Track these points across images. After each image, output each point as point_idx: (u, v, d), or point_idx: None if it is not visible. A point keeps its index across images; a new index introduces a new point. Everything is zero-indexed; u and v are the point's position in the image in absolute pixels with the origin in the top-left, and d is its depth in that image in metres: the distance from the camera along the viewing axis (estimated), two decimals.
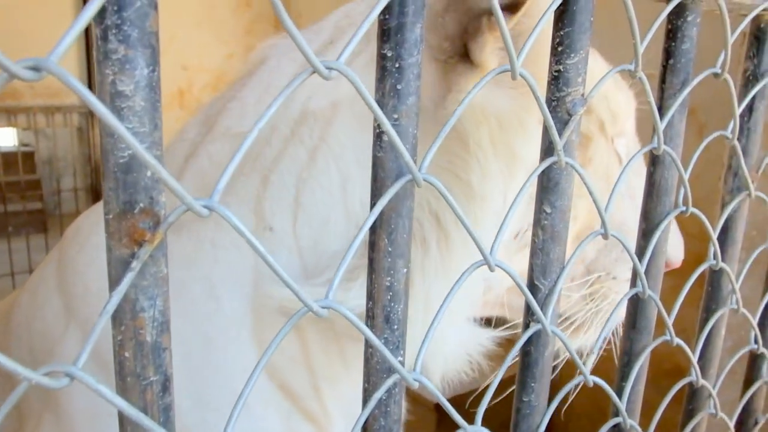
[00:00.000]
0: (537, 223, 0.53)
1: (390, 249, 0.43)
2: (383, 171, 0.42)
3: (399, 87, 0.41)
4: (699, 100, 1.57)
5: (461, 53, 0.68)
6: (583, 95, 0.50)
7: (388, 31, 0.40)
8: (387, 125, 0.37)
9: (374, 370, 0.45)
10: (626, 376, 0.63)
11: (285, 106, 0.76)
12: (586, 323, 0.79)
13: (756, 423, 0.82)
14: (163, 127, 0.33)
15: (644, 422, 0.65)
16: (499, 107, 0.70)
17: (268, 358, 0.37)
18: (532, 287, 0.53)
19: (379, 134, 0.42)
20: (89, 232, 0.83)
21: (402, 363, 0.45)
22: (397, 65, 0.41)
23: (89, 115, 3.21)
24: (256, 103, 0.78)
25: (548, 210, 0.52)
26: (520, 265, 0.78)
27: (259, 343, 0.77)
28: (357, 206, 0.73)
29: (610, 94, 0.77)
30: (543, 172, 0.52)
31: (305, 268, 0.74)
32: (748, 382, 0.81)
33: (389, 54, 0.41)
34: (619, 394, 0.63)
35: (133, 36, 0.30)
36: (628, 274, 0.79)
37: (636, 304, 0.63)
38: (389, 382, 0.43)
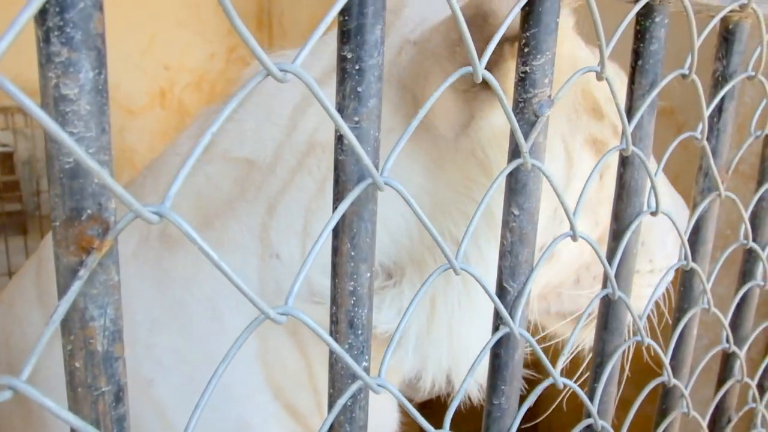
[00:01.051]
0: (505, 225, 0.52)
1: (353, 253, 0.42)
2: (344, 174, 0.41)
3: (359, 89, 0.40)
4: (677, 101, 1.58)
5: (483, 82, 0.67)
6: (550, 97, 0.50)
7: (348, 32, 0.39)
8: (344, 128, 0.37)
9: (339, 376, 0.44)
10: (598, 377, 0.63)
11: (290, 136, 0.77)
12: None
13: (729, 421, 0.82)
14: (108, 131, 0.32)
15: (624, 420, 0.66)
16: None
17: (231, 358, 0.37)
18: (501, 290, 0.53)
19: (339, 137, 0.41)
20: None
21: (367, 369, 0.45)
22: (357, 67, 0.40)
23: None
24: (256, 129, 0.78)
25: (516, 212, 0.52)
26: (545, 278, 0.80)
27: (265, 364, 0.77)
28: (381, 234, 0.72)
29: (619, 95, 0.77)
30: (511, 174, 0.51)
31: (312, 293, 0.75)
32: (721, 380, 0.81)
33: (349, 56, 0.40)
34: (592, 395, 0.63)
35: (77, 38, 0.29)
36: (650, 266, 0.81)
37: (608, 305, 0.62)
38: (353, 388, 0.43)
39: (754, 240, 0.77)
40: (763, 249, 0.77)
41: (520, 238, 0.52)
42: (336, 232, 0.43)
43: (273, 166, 0.76)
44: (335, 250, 0.43)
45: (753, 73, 0.65)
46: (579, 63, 0.70)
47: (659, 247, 0.82)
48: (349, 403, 0.44)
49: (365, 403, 0.45)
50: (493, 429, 0.56)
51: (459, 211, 0.72)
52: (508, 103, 0.47)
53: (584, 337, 0.83)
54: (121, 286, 0.35)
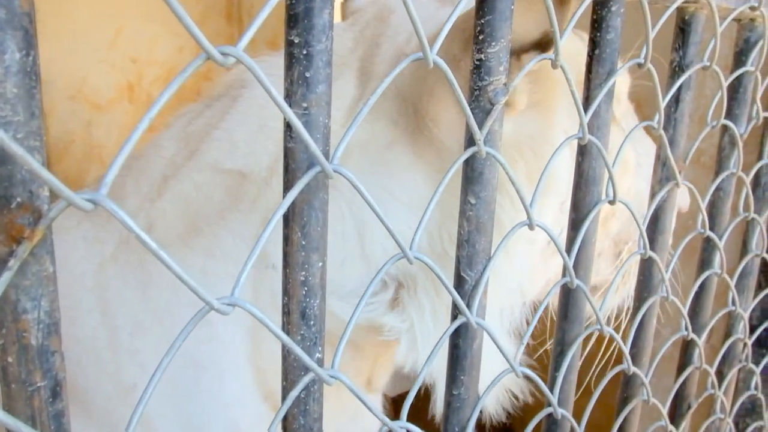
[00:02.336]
0: (462, 214, 0.52)
1: (303, 242, 0.42)
2: (294, 162, 0.41)
3: (307, 75, 0.39)
4: (645, 93, 1.59)
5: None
6: (505, 84, 0.50)
7: (295, 16, 0.39)
8: (289, 113, 0.36)
9: (291, 368, 0.44)
10: (559, 366, 0.63)
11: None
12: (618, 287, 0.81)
13: (689, 408, 0.84)
14: (39, 116, 0.30)
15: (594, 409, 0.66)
16: (531, 134, 0.71)
17: (170, 359, 0.36)
18: (459, 279, 0.53)
19: (288, 124, 0.40)
20: None
21: (320, 360, 0.44)
22: (304, 52, 0.39)
23: None
24: (248, 141, 0.78)
25: (473, 201, 0.51)
26: (555, 270, 0.81)
27: (257, 370, 0.77)
28: (378, 251, 0.73)
29: None
30: (467, 162, 0.51)
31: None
32: (681, 368, 0.83)
33: (296, 40, 0.39)
34: (552, 384, 0.63)
35: (0, 17, 0.28)
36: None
37: (567, 295, 0.63)
38: (305, 380, 0.42)
39: (711, 229, 0.78)
40: (720, 238, 0.78)
41: (477, 227, 0.52)
42: (286, 221, 0.42)
43: (269, 180, 0.76)
44: (286, 239, 0.42)
45: (708, 64, 0.66)
46: (574, 56, 0.72)
47: None
48: (302, 395, 0.44)
49: (319, 395, 0.45)
50: (453, 420, 0.55)
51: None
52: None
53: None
54: (76, 281, 0.34)
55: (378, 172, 0.74)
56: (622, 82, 0.82)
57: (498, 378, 0.56)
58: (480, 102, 0.49)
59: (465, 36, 0.64)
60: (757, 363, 1.00)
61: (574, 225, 0.61)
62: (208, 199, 0.77)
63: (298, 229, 0.41)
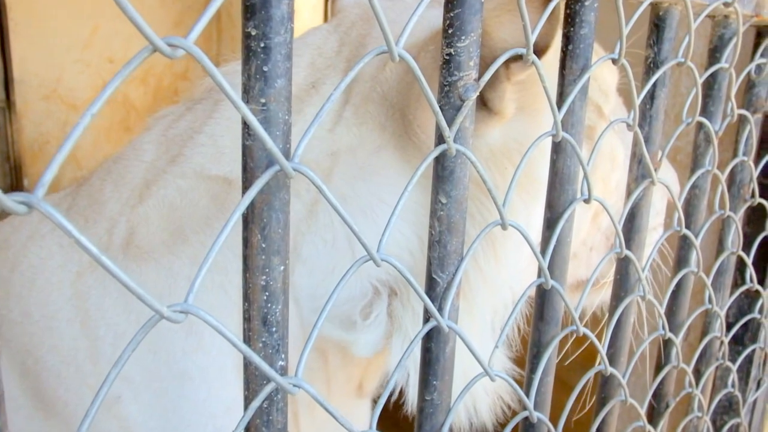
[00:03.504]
0: (433, 214, 0.50)
1: (264, 245, 0.40)
2: (252, 161, 0.39)
3: (265, 69, 0.37)
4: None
5: (478, 101, 0.65)
6: (476, 80, 0.48)
7: (252, 7, 0.37)
8: (244, 109, 0.34)
9: (253, 377, 0.42)
10: (535, 368, 0.62)
11: None
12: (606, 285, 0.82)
13: (667, 407, 0.83)
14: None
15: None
16: (520, 140, 0.70)
17: (119, 370, 0.34)
18: (430, 281, 0.51)
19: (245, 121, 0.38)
20: (23, 249, 0.77)
21: (283, 368, 0.42)
22: (262, 45, 0.37)
23: (6, 110, 3.03)
24: (234, 147, 0.76)
25: (443, 200, 0.50)
26: (571, 273, 0.79)
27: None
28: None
29: (597, 74, 0.78)
30: (437, 161, 0.49)
31: (301, 316, 0.74)
32: (659, 367, 0.82)
33: (253, 33, 0.37)
34: (529, 387, 0.62)
35: None
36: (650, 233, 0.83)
37: (543, 295, 0.61)
38: (267, 389, 0.40)
39: (687, 227, 0.77)
40: (696, 236, 0.77)
41: (449, 227, 0.50)
42: (245, 223, 0.40)
43: None
44: (245, 242, 0.40)
45: (683, 60, 0.65)
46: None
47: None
48: (264, 406, 0.42)
49: (283, 404, 0.43)
50: (426, 426, 0.54)
51: None
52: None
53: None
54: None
55: (367, 178, 0.72)
56: (610, 77, 0.81)
57: (472, 382, 0.54)
58: (450, 98, 0.48)
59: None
60: (733, 360, 1.00)
61: (549, 224, 0.60)
62: (194, 206, 0.75)
63: (258, 231, 0.40)
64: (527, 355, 0.64)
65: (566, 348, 0.80)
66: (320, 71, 0.77)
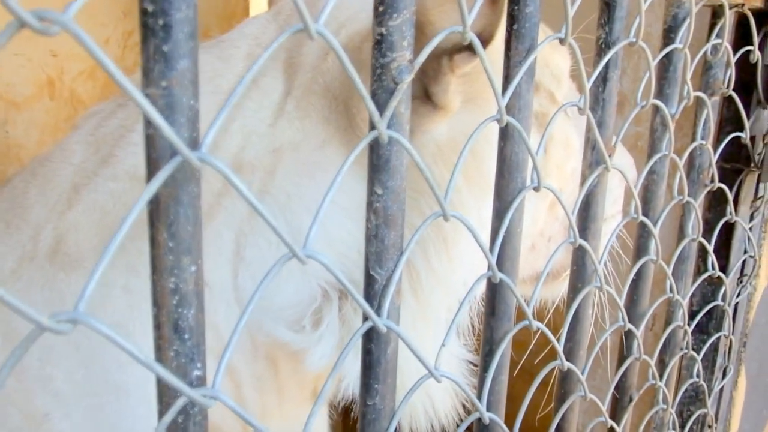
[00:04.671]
0: (369, 206, 0.47)
1: (171, 244, 0.36)
2: (155, 151, 0.35)
3: (165, 49, 0.34)
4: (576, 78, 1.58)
5: (422, 95, 0.65)
6: (410, 61, 0.45)
7: None
8: (134, 92, 0.30)
9: (165, 390, 0.38)
10: (487, 367, 0.59)
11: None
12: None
13: (631, 400, 0.81)
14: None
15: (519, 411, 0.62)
16: (467, 133, 0.68)
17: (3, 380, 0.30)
18: (369, 278, 0.48)
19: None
20: None
21: (200, 378, 0.38)
22: (161, 22, 0.33)
23: None
24: None
25: (379, 191, 0.46)
26: (530, 265, 0.81)
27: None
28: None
29: (548, 59, 0.75)
30: (372, 149, 0.46)
31: (248, 322, 0.71)
32: (621, 359, 0.80)
33: (150, 9, 0.33)
34: (481, 386, 0.59)
35: None
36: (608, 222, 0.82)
37: (493, 290, 0.59)
38: (179, 403, 0.36)
39: (646, 215, 0.75)
40: (655, 224, 0.75)
41: (386, 220, 0.47)
42: (151, 220, 0.36)
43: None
44: (152, 241, 0.36)
45: (635, 40, 0.62)
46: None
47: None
48: (180, 420, 0.38)
49: (201, 418, 0.39)
50: None
51: (407, 222, 0.73)
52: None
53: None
54: None
55: (312, 175, 0.69)
56: (563, 62, 0.79)
57: (417, 384, 0.51)
58: (383, 81, 0.44)
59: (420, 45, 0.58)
60: (698, 350, 0.98)
61: (498, 214, 0.57)
62: (125, 208, 0.71)
63: (164, 229, 0.36)
64: (480, 353, 0.61)
65: (536, 342, 0.78)
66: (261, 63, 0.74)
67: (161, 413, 0.38)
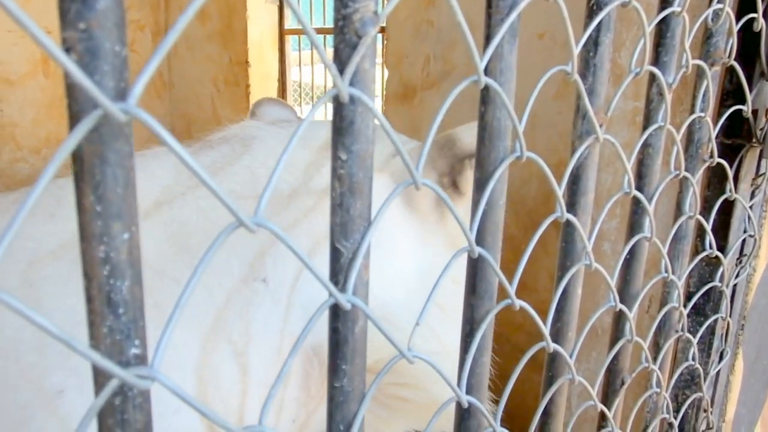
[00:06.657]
0: (333, 173, 0.43)
1: (99, 208, 0.32)
2: (77, 103, 0.31)
3: None
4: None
5: (453, 185, 0.96)
6: (375, 12, 0.41)
7: None
8: (39, 37, 0.26)
9: (99, 370, 0.34)
10: (468, 348, 0.56)
11: (308, 178, 0.91)
12: None
13: (623, 383, 0.78)
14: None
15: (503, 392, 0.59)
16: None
17: None
18: (334, 251, 0.44)
19: (68, 50, 0.31)
20: None
21: (139, 357, 0.35)
22: None
23: None
24: (267, 175, 0.87)
25: (344, 156, 0.43)
26: None
27: (200, 379, 0.79)
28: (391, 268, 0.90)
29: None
30: (336, 111, 0.42)
31: (287, 321, 0.81)
32: (614, 341, 0.76)
33: None
34: (462, 367, 0.55)
35: None
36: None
37: (474, 266, 0.55)
38: (112, 384, 0.33)
39: (640, 190, 0.71)
40: (650, 200, 0.71)
41: (351, 188, 0.43)
42: (77, 182, 0.32)
43: (287, 204, 0.87)
44: (78, 206, 0.33)
45: (628, 0, 0.58)
46: None
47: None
48: (117, 403, 0.35)
49: (142, 400, 0.36)
50: (337, 415, 0.47)
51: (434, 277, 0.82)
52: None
53: None
54: None
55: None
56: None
57: (388, 365, 0.48)
58: (345, 34, 0.40)
59: (451, 152, 0.93)
60: (694, 332, 0.95)
61: (479, 186, 0.53)
62: (212, 223, 0.86)
63: (91, 191, 0.32)
64: (460, 333, 0.57)
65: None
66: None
67: (96, 396, 0.35)
